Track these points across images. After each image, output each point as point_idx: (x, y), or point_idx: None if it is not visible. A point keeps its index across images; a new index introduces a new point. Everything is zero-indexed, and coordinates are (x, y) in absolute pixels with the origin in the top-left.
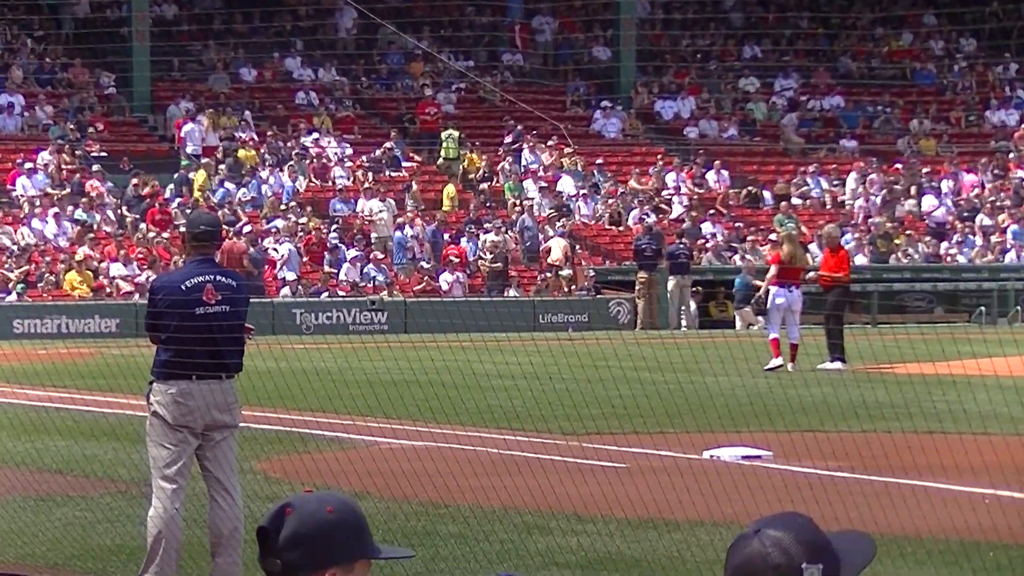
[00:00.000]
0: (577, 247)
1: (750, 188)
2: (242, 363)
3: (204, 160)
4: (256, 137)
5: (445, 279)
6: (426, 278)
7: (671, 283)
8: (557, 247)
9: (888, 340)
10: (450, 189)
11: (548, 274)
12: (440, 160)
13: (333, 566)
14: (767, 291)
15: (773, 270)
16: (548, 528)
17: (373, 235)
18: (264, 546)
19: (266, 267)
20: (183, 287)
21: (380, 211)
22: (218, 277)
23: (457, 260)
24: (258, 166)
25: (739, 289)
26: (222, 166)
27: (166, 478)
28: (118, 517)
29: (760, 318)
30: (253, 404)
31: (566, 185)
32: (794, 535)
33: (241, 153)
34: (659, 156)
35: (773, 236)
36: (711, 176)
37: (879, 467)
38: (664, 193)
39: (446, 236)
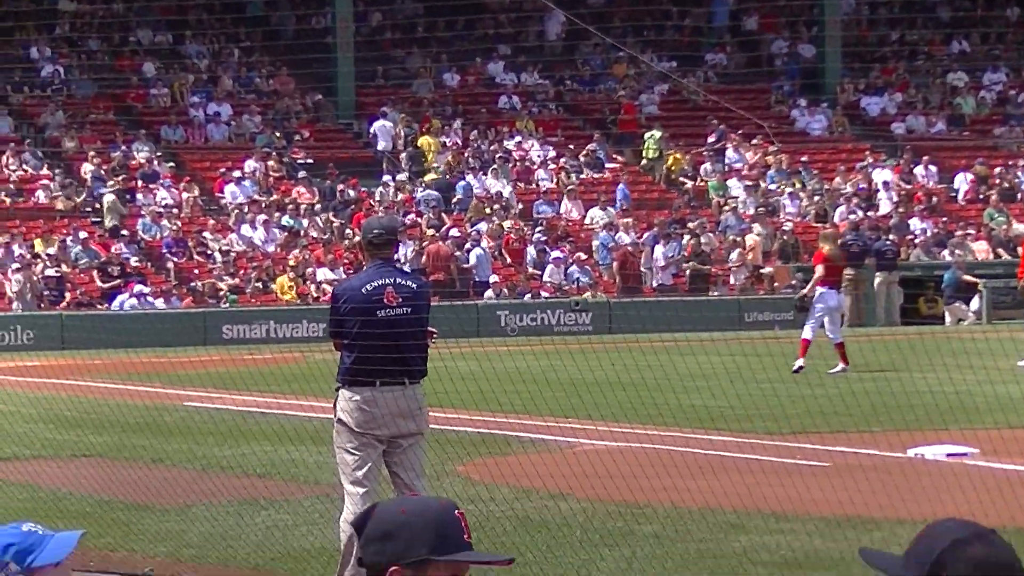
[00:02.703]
0: (787, 244)
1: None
2: (426, 368)
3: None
4: (460, 142)
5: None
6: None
7: (878, 279)
8: (749, 241)
9: None
10: None
11: (739, 265)
12: (643, 161)
13: (395, 564)
14: (814, 291)
15: (820, 270)
16: (746, 528)
17: (594, 242)
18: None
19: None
20: (364, 291)
21: (602, 219)
22: (398, 280)
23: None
24: (464, 169)
25: (948, 285)
26: (403, 155)
27: (355, 482)
28: (319, 520)
29: (969, 315)
30: (458, 407)
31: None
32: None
33: (422, 141)
34: (866, 152)
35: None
36: (919, 171)
37: None
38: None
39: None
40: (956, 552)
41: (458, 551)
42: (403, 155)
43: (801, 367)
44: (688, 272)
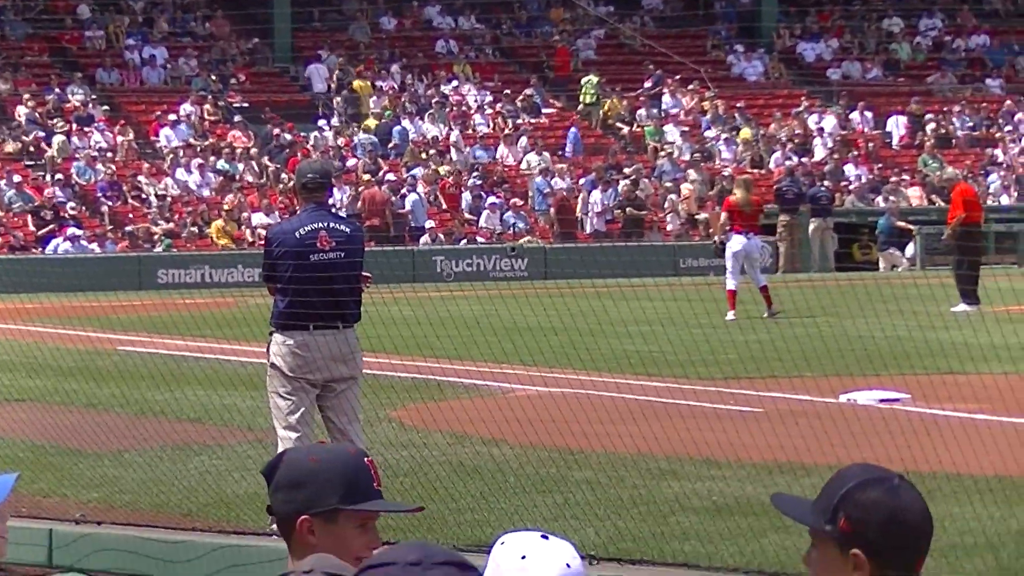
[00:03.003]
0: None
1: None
2: (360, 312)
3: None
4: (396, 86)
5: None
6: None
7: (812, 226)
8: (684, 189)
9: None
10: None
11: (669, 211)
12: (580, 106)
13: (305, 513)
14: (726, 237)
15: (723, 217)
16: (679, 473)
17: (530, 191)
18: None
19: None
20: (297, 235)
21: (538, 164)
22: (332, 224)
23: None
24: (400, 113)
25: (882, 231)
26: (337, 99)
27: (289, 427)
28: (252, 466)
29: (903, 261)
30: (390, 352)
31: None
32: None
33: (357, 84)
34: (801, 98)
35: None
36: (855, 117)
37: (1021, 409)
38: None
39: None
40: (852, 496)
41: (368, 499)
42: (337, 99)
43: (733, 319)
44: (623, 218)
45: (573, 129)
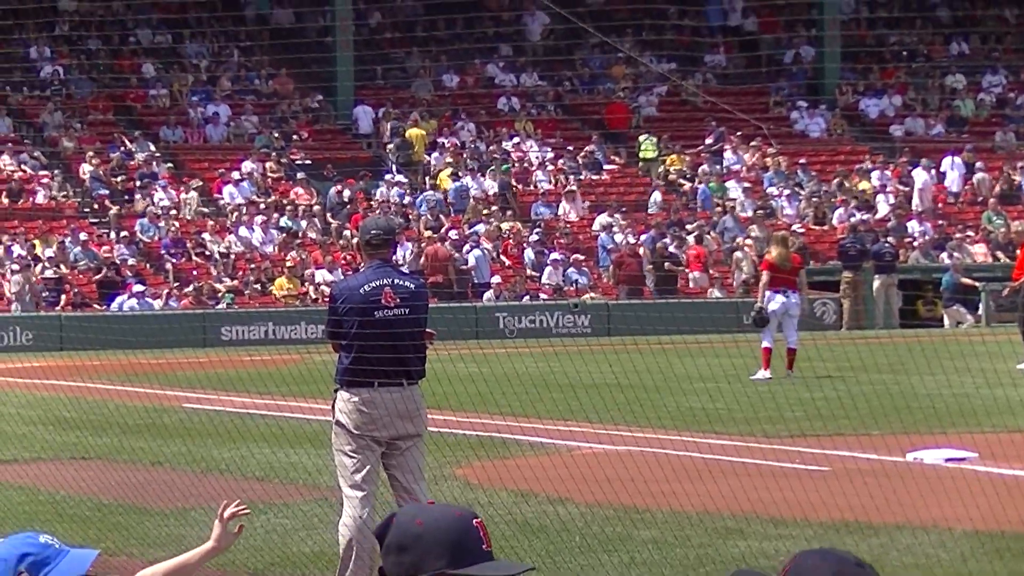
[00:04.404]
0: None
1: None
2: (424, 369)
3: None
4: (458, 142)
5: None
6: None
7: (876, 282)
8: (747, 245)
9: None
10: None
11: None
12: (640, 163)
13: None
14: (763, 305)
15: (764, 276)
16: (745, 533)
17: (601, 250)
18: None
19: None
20: (362, 291)
21: (609, 224)
22: (396, 280)
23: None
24: (461, 170)
25: (947, 287)
26: (390, 145)
27: (355, 485)
28: (318, 524)
29: (968, 317)
30: (456, 409)
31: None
32: None
33: (411, 132)
34: (864, 155)
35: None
36: (917, 174)
37: None
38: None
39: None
40: None
41: (476, 562)
42: (390, 146)
43: (765, 378)
44: (656, 274)
45: (702, 186)
